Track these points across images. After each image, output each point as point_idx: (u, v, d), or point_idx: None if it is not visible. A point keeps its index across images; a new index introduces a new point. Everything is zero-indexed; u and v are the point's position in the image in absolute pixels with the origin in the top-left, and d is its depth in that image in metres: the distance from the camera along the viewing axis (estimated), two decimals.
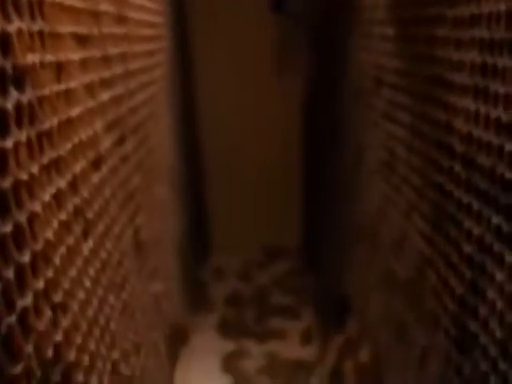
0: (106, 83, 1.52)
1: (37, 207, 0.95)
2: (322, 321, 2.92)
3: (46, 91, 1.06)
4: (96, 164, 1.37)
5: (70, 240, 1.13)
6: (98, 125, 1.40)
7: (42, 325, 0.91)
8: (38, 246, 0.94)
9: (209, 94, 3.94)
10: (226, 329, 3.17)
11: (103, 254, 1.35)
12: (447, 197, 1.58)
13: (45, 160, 1.02)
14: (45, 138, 1.04)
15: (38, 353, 0.90)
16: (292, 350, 2.99)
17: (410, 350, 1.83)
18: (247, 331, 3.13)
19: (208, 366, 2.87)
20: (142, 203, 1.85)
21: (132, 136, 1.78)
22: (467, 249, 1.43)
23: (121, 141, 1.63)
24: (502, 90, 1.29)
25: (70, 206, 1.15)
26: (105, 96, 1.49)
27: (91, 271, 1.24)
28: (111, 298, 1.38)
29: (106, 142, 1.47)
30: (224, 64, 3.94)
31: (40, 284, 0.93)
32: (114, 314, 1.40)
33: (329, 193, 3.32)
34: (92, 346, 1.18)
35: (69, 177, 1.16)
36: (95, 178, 1.35)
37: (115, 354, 1.36)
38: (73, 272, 1.11)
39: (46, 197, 1.01)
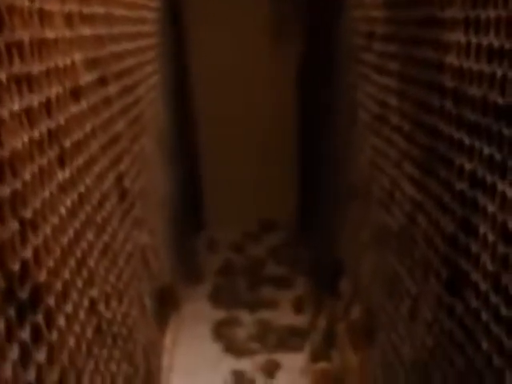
0: (86, 19, 1.47)
1: (3, 113, 0.91)
2: (316, 287, 2.88)
3: (17, 3, 1.02)
4: (74, 95, 1.32)
5: (43, 161, 1.08)
6: (77, 57, 1.36)
7: (5, 233, 0.87)
8: (5, 153, 0.90)
9: (204, 63, 3.89)
10: (218, 298, 3.12)
11: (81, 189, 1.31)
12: (438, 137, 1.53)
13: (14, 70, 0.98)
14: (15, 49, 1.00)
15: (2, 263, 0.86)
16: (284, 318, 2.95)
17: (402, 302, 1.79)
18: (239, 300, 3.08)
19: (198, 332, 2.83)
20: (126, 151, 1.80)
21: (116, 81, 1.73)
22: (459, 186, 1.39)
23: (102, 81, 1.59)
24: (493, 14, 1.24)
25: (43, 128, 1.10)
26: (85, 31, 1.45)
27: (67, 201, 1.20)
28: (90, 235, 1.34)
29: (86, 78, 1.43)
30: (220, 34, 3.88)
31: (5, 191, 0.89)
32: (93, 251, 1.35)
33: (324, 159, 3.27)
34: (66, 274, 1.13)
35: (42, 98, 1.11)
36: (74, 109, 1.31)
37: (93, 292, 1.31)
38: (45, 194, 1.07)
39: (15, 106, 0.96)
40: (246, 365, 2.57)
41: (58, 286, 1.08)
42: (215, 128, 3.99)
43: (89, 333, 1.24)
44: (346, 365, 2.29)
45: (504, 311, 1.15)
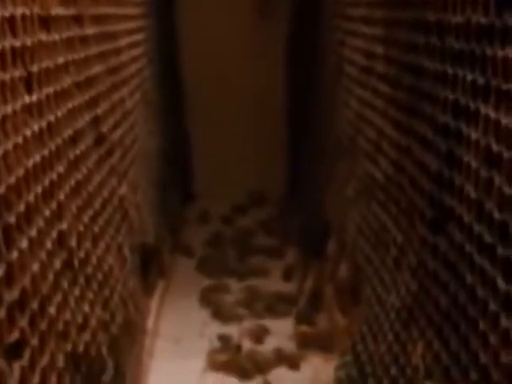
0: None
1: None
2: (305, 253, 2.83)
3: None
4: (44, 23, 1.28)
5: (5, 77, 1.03)
6: None
7: None
8: None
9: (192, 26, 3.82)
10: (206, 267, 3.07)
11: (51, 118, 1.26)
12: (423, 75, 1.49)
13: None
14: None
15: None
16: (273, 285, 2.91)
17: (388, 253, 1.75)
18: (228, 269, 3.04)
19: (185, 299, 2.79)
20: (104, 97, 1.76)
21: (92, 22, 1.68)
22: (443, 119, 1.35)
23: (77, 20, 1.54)
24: None
25: (6, 43, 1.06)
26: None
27: (34, 125, 1.15)
28: (60, 168, 1.29)
29: (59, 11, 1.38)
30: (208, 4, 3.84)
31: None
32: (63, 185, 1.30)
33: (313, 122, 3.23)
34: (30, 197, 1.09)
35: (5, 13, 1.07)
36: (43, 37, 1.26)
37: (63, 226, 1.27)
38: (7, 109, 1.02)
39: None
40: (233, 330, 2.53)
41: (21, 206, 1.03)
42: (202, 95, 3.94)
43: (57, 264, 1.20)
44: (334, 327, 2.25)
45: (488, 238, 1.11)
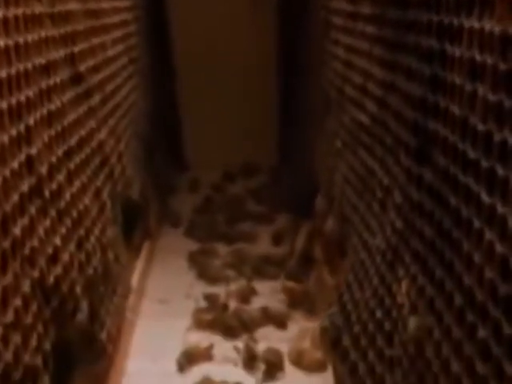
0: None
1: None
2: (295, 214, 2.78)
3: None
4: None
5: None
6: None
7: None
8: None
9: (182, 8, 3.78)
10: (194, 232, 3.03)
11: (19, 39, 1.21)
12: (408, 5, 1.44)
13: None
14: None
15: None
16: (262, 249, 2.86)
17: (374, 198, 1.70)
18: (216, 234, 2.99)
19: (172, 261, 2.75)
20: (81, 36, 1.70)
21: None
22: (426, 44, 1.30)
23: None
24: None
25: None
26: None
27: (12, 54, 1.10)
28: (29, 91, 1.24)
29: None
30: None
31: None
32: (33, 110, 1.25)
33: (304, 88, 3.18)
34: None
35: None
36: None
37: (32, 151, 1.22)
38: None
39: None
40: (219, 291, 2.48)
41: None
42: (192, 63, 3.88)
43: (23, 187, 1.15)
44: (322, 286, 2.20)
45: (471, 154, 1.06)
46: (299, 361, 2.05)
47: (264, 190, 3.55)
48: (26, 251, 1.12)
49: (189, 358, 2.03)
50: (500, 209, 0.94)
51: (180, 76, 3.90)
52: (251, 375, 2.01)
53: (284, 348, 2.11)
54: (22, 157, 1.16)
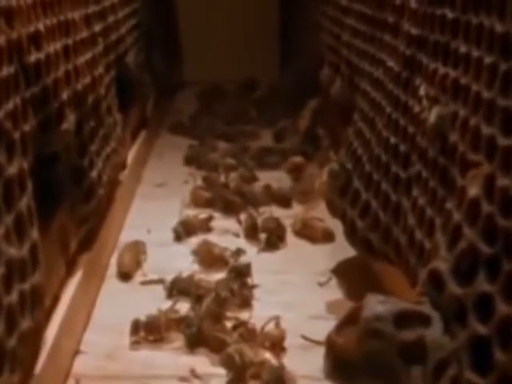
0: None
1: None
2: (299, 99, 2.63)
3: None
4: None
5: None
6: None
7: None
8: None
9: None
10: (193, 132, 2.90)
11: None
12: None
13: None
14: None
15: None
16: (263, 144, 2.74)
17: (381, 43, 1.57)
18: (216, 133, 2.85)
19: (171, 153, 2.62)
20: None
21: None
22: None
23: None
24: None
25: None
26: None
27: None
28: None
29: None
30: None
31: None
32: None
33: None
34: None
35: None
36: None
37: None
38: None
39: None
40: (219, 177, 2.35)
41: None
42: None
43: None
44: (325, 162, 2.06)
45: None
46: (304, 231, 1.93)
47: (265, 100, 3.40)
48: None
49: (186, 228, 1.91)
50: None
51: None
52: (253, 245, 1.89)
53: (289, 226, 1.98)
54: None
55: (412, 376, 0.95)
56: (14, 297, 0.89)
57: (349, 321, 1.03)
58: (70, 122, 1.25)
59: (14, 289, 0.90)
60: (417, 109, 1.27)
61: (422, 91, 1.24)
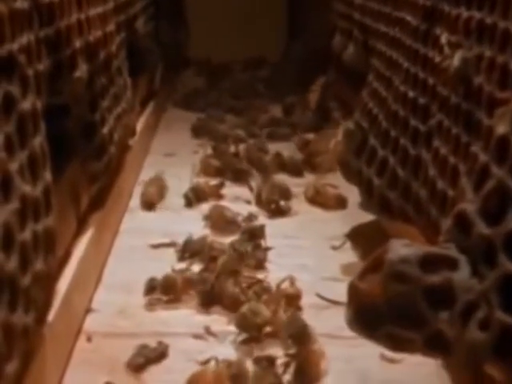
0: None
1: None
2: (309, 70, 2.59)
3: None
4: None
5: None
6: None
7: None
8: None
9: None
10: (201, 106, 2.87)
11: None
12: None
13: None
14: None
15: None
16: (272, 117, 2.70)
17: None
18: (224, 106, 2.82)
19: (180, 125, 2.59)
20: None
21: None
22: None
23: None
24: None
25: None
26: None
27: None
28: None
29: None
30: None
31: None
32: None
33: None
34: None
35: None
36: None
37: None
38: None
39: None
40: (230, 148, 2.32)
41: None
42: None
43: None
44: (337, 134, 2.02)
45: None
46: (316, 198, 1.90)
47: (273, 76, 3.36)
48: None
49: (197, 194, 1.88)
50: None
51: None
52: (265, 212, 1.86)
53: (301, 193, 1.95)
54: None
55: (439, 320, 0.92)
56: (27, 235, 0.86)
57: (373, 267, 0.99)
58: (82, 70, 1.22)
59: (27, 227, 0.86)
60: (437, 59, 1.23)
61: (443, 39, 1.21)
